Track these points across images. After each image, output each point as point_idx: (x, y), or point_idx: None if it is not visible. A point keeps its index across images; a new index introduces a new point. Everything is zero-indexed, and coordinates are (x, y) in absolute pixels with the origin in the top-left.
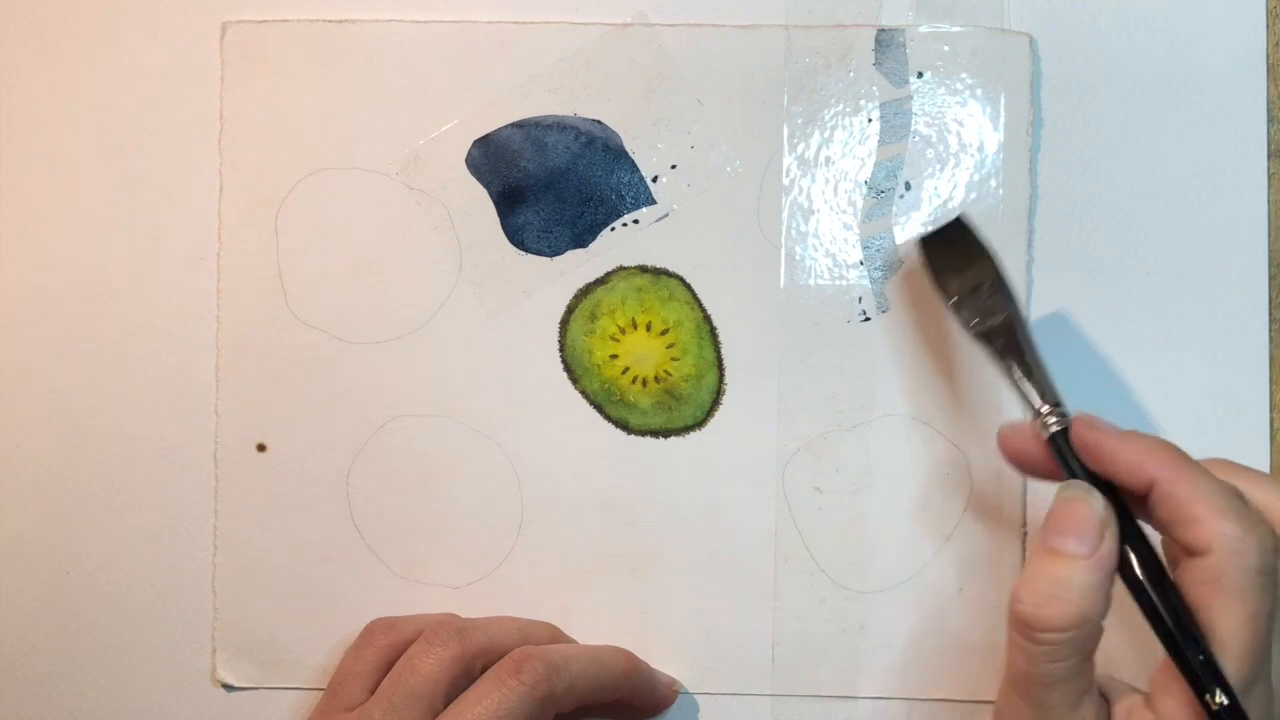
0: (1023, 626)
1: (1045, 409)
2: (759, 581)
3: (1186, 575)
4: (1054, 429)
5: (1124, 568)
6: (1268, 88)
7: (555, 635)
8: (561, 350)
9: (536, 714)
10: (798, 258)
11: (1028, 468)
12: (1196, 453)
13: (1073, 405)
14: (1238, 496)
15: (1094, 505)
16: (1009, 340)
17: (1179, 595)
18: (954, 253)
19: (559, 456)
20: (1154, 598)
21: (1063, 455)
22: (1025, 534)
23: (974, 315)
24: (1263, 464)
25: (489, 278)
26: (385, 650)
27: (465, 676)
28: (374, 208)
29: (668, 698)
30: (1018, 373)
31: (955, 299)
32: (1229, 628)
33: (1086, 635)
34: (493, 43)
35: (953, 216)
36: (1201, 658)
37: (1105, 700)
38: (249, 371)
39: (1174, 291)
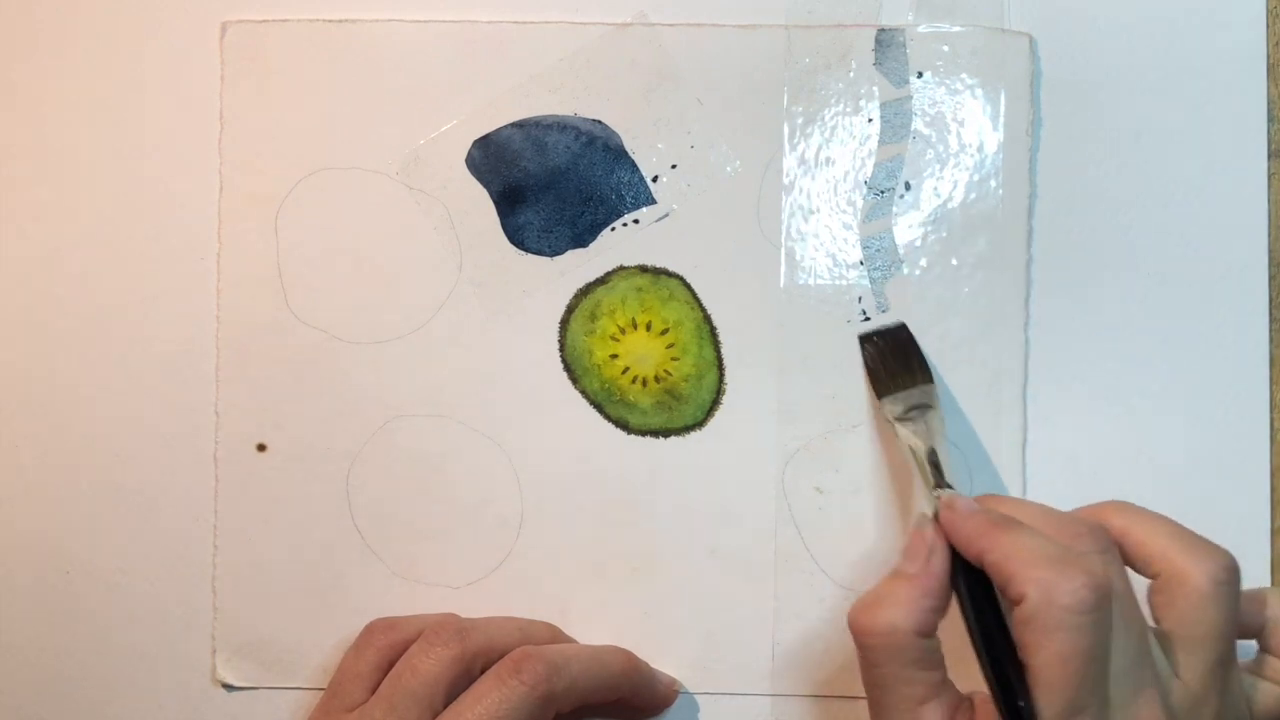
0: (851, 630)
1: (937, 492)
2: (759, 581)
3: (1015, 621)
4: (936, 509)
5: (967, 621)
6: (1268, 88)
7: (555, 635)
8: (561, 350)
9: (537, 714)
10: (798, 258)
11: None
12: (1196, 453)
13: (1070, 407)
14: (1060, 545)
15: (925, 534)
16: (928, 439)
17: (1007, 640)
18: (893, 355)
19: (559, 456)
20: (978, 637)
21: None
22: None
23: (902, 415)
24: (1263, 464)
25: (489, 278)
26: (385, 650)
27: (465, 677)
28: (374, 208)
29: (668, 697)
30: (923, 462)
31: (886, 397)
32: (1040, 664)
33: (900, 645)
34: (493, 43)
35: (896, 323)
36: (1003, 691)
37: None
38: (249, 371)
39: (1174, 291)
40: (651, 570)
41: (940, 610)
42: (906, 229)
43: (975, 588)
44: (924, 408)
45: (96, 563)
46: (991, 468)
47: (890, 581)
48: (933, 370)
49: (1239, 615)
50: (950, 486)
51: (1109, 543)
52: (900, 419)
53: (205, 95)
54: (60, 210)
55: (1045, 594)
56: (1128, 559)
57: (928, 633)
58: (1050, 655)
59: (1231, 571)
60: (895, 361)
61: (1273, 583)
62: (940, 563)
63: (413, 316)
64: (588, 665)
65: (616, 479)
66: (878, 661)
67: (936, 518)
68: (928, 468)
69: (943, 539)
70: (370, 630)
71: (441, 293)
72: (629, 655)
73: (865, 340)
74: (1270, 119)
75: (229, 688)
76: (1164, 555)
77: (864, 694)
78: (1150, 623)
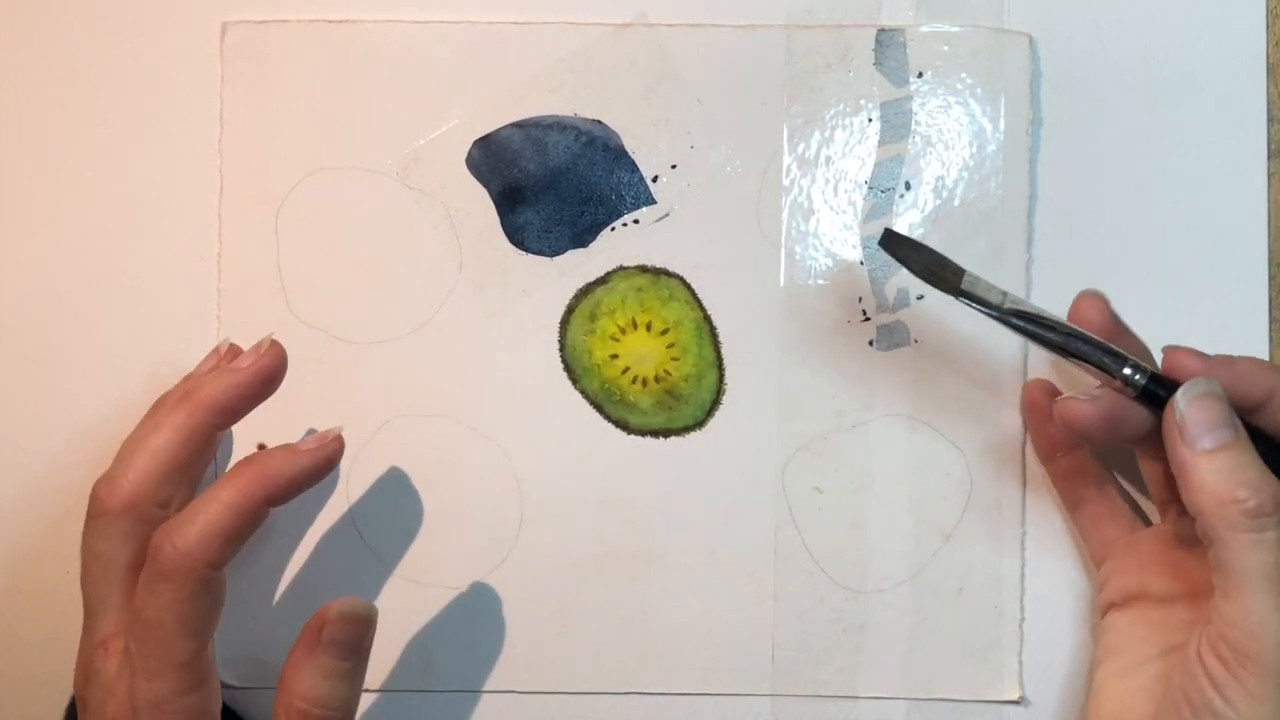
0: (1253, 519)
1: (1126, 368)
2: (759, 581)
3: None
4: (1141, 381)
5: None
6: (1268, 88)
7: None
8: (561, 350)
9: (209, 592)
10: (798, 257)
11: (1114, 431)
12: None
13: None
14: None
15: (1218, 391)
16: (1040, 316)
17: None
18: (919, 252)
19: (559, 456)
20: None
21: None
22: (1024, 534)
23: (993, 296)
24: None
25: (489, 278)
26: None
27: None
28: (374, 208)
29: (319, 453)
30: (1076, 343)
31: (962, 282)
32: None
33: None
34: (493, 43)
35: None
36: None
37: None
38: None
39: (1174, 291)
40: (651, 570)
41: None
42: (906, 229)
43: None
44: (1009, 293)
45: None
46: (992, 468)
47: (1230, 455)
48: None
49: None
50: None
51: None
52: (1012, 309)
53: (205, 95)
54: (60, 210)
55: None
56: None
57: None
58: None
59: None
60: (928, 255)
61: None
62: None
63: (413, 316)
64: (215, 510)
65: (616, 479)
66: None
67: (1146, 391)
68: (1092, 348)
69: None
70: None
71: (441, 293)
72: (247, 470)
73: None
74: (1270, 119)
75: (229, 688)
76: None
77: (872, 696)
78: None
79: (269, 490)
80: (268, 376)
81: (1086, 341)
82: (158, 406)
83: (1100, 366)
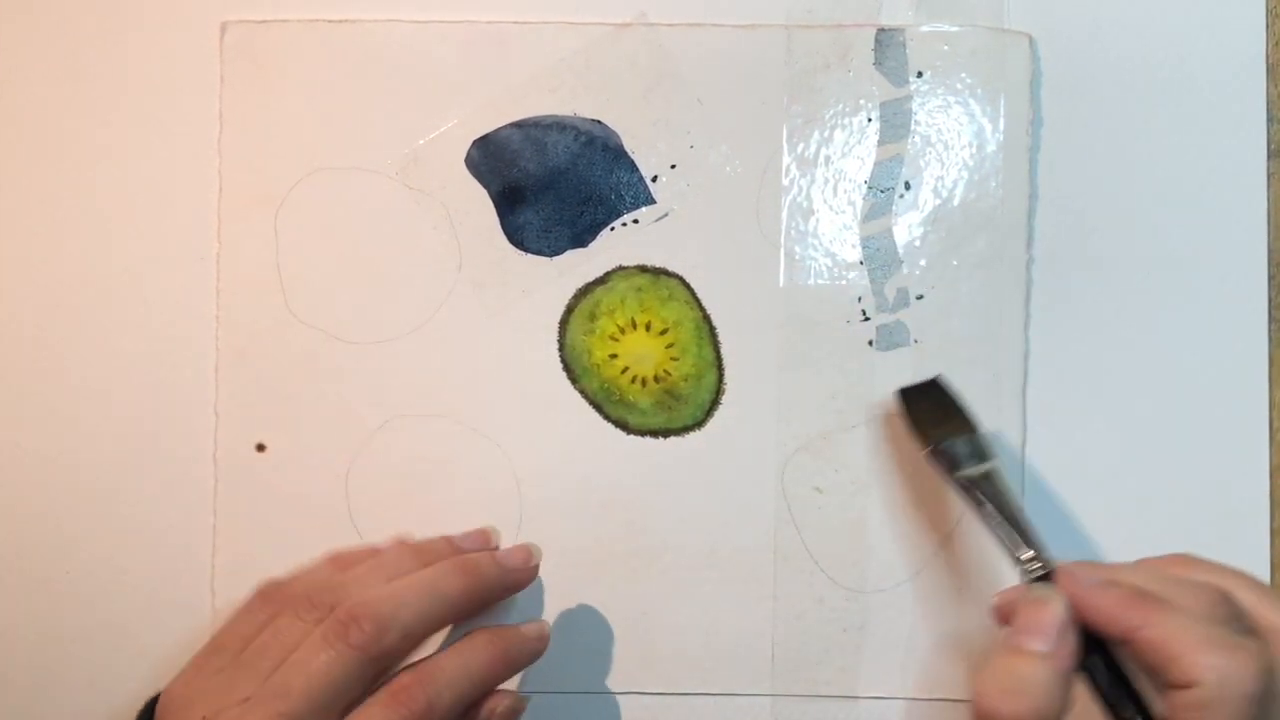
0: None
1: (1027, 555)
2: (759, 581)
3: (1176, 701)
4: (1035, 575)
5: (1096, 687)
6: (1268, 88)
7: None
8: (561, 350)
9: (370, 673)
10: (798, 258)
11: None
12: (1196, 453)
13: (1070, 407)
14: (1219, 622)
15: (1056, 607)
16: (990, 490)
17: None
18: (932, 405)
19: (558, 456)
20: (1116, 713)
21: None
22: None
23: (953, 464)
24: (1262, 464)
25: (489, 278)
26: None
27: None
28: (374, 208)
29: (523, 579)
30: (998, 521)
31: (931, 447)
32: None
33: None
34: (493, 43)
35: (931, 376)
36: None
37: None
38: (249, 371)
39: (1174, 291)
40: (651, 570)
41: (1072, 689)
42: (906, 229)
43: (1100, 661)
44: (981, 456)
45: (96, 563)
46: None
47: (1020, 661)
48: (976, 420)
49: None
50: (1042, 549)
51: (1241, 611)
52: (958, 470)
53: (205, 95)
54: (60, 210)
55: (1221, 680)
56: None
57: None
58: None
59: None
60: (938, 411)
61: (1273, 581)
62: (1074, 640)
63: (412, 316)
64: (422, 605)
65: (616, 479)
66: None
67: (1040, 579)
68: (1013, 528)
69: (1068, 611)
70: (262, 593)
71: (441, 293)
72: (468, 565)
73: (904, 395)
74: (1270, 119)
75: None
76: (1256, 610)
77: (872, 695)
78: None
79: (510, 671)
80: (522, 585)
81: (1011, 523)
82: (421, 554)
83: (1010, 551)
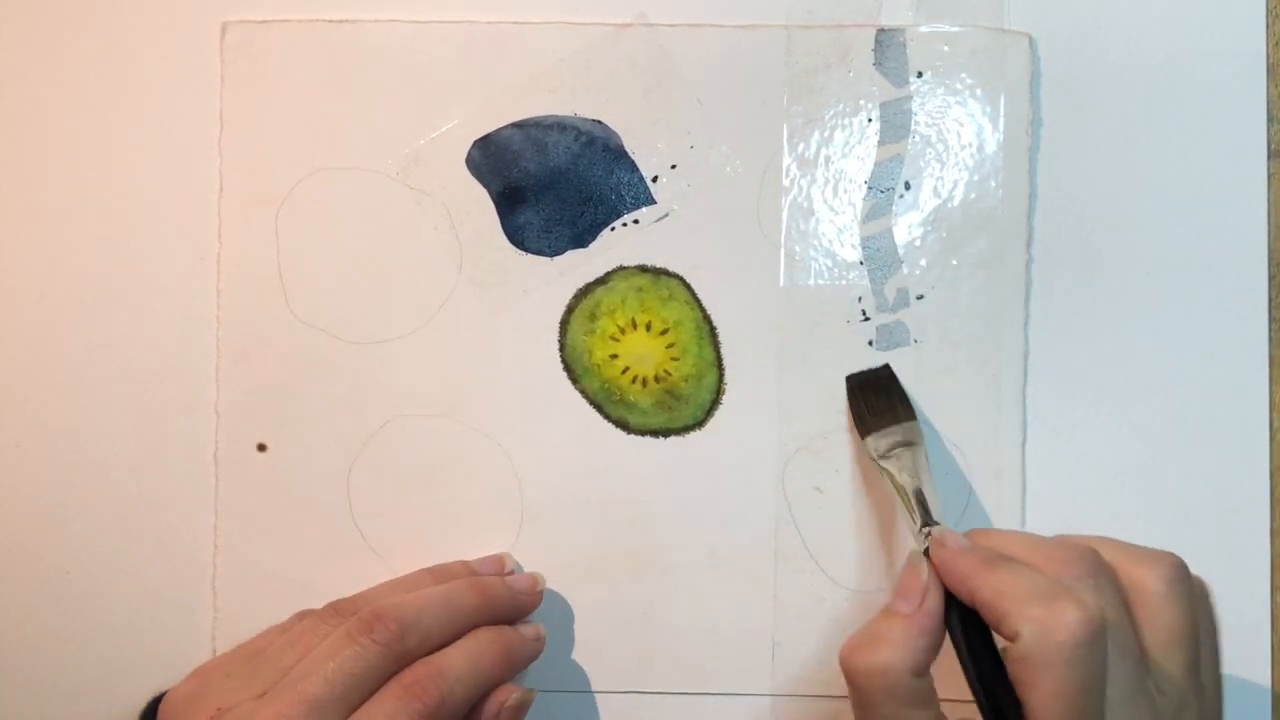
0: (842, 670)
1: (925, 529)
2: (759, 581)
3: (1009, 658)
4: (925, 546)
5: (962, 658)
6: (1268, 88)
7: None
8: (561, 350)
9: (390, 670)
10: (798, 258)
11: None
12: (1196, 452)
13: (1070, 407)
14: (1050, 579)
15: (920, 572)
16: (904, 472)
17: (1003, 677)
18: (876, 395)
19: (559, 456)
20: (973, 674)
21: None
22: None
23: (882, 452)
24: (1262, 464)
25: (489, 278)
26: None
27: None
28: (374, 208)
29: (530, 603)
30: (910, 499)
31: (870, 435)
32: (1036, 701)
33: (894, 684)
34: (493, 43)
35: (881, 366)
36: None
37: None
38: (249, 371)
39: (1174, 291)
40: (651, 570)
41: (934, 649)
42: (906, 229)
43: (969, 626)
44: (908, 444)
45: (96, 563)
46: (992, 468)
47: (883, 620)
48: (916, 407)
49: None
50: (938, 523)
51: (1099, 564)
52: (884, 456)
53: (205, 95)
54: (60, 210)
55: (1039, 631)
56: None
57: (921, 672)
58: (1046, 692)
59: (1181, 569)
60: (877, 400)
61: (1273, 582)
62: (934, 601)
63: (413, 316)
64: (438, 613)
65: (616, 479)
66: (872, 701)
67: (928, 554)
68: (914, 505)
69: (936, 577)
70: (282, 625)
71: (441, 293)
72: (481, 585)
73: (849, 381)
74: (1270, 119)
75: None
76: (1118, 567)
77: None
78: None
79: (512, 671)
80: (529, 609)
81: (915, 501)
82: (438, 576)
83: (912, 523)
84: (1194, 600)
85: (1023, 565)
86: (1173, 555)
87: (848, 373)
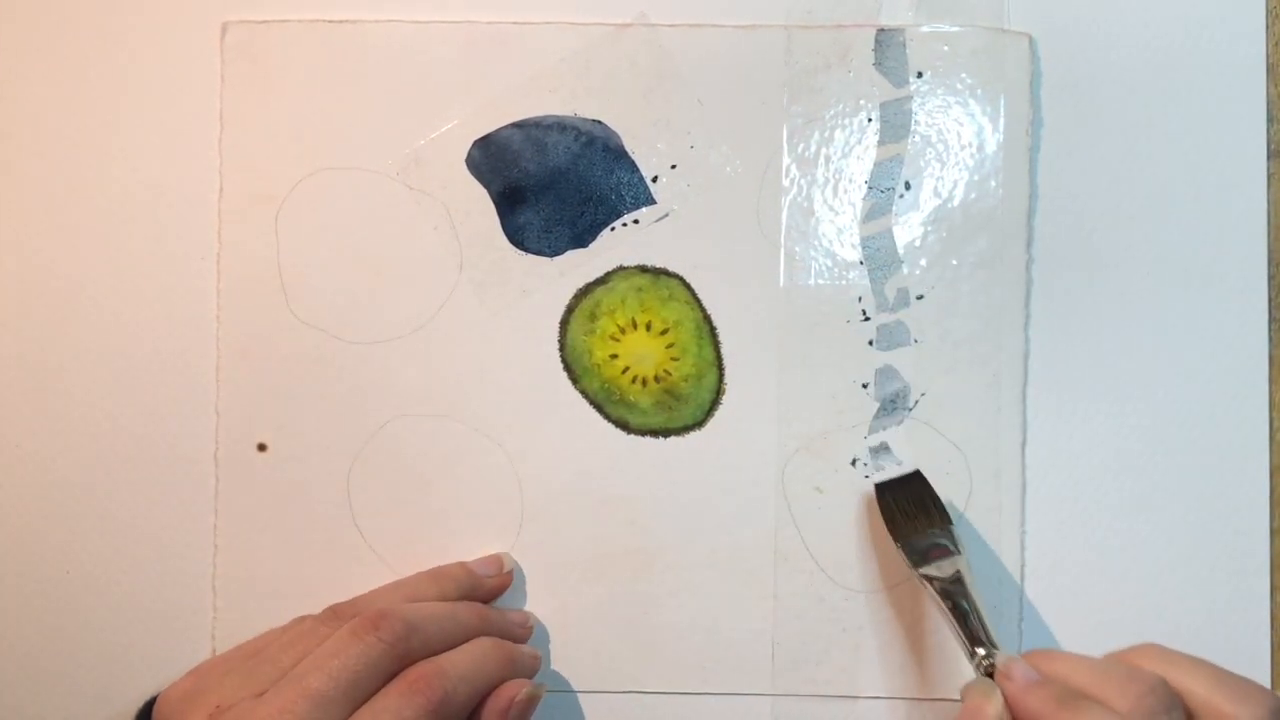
0: None
1: (980, 651)
2: (759, 581)
3: None
4: (986, 670)
5: None
6: (1268, 88)
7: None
8: (561, 350)
9: (393, 669)
10: (798, 258)
11: None
12: (1196, 452)
13: (1070, 407)
14: (1144, 716)
15: (994, 704)
16: (950, 589)
17: None
18: (909, 497)
19: (559, 456)
20: None
21: None
22: (1024, 534)
23: (920, 558)
24: (1262, 464)
25: (489, 278)
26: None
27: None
28: (374, 208)
29: (521, 636)
30: (953, 620)
31: (900, 542)
32: None
33: None
34: (493, 43)
35: (912, 470)
36: None
37: None
38: (249, 371)
39: (1174, 291)
40: (651, 570)
41: None
42: (906, 229)
43: None
44: (947, 552)
45: (96, 563)
46: (991, 468)
47: None
48: (951, 514)
49: None
50: (997, 648)
51: (1173, 698)
52: (924, 566)
53: (205, 95)
54: (61, 210)
55: None
56: None
57: None
58: None
59: (1275, 715)
60: (912, 505)
61: (1273, 582)
62: None
63: (413, 316)
64: (441, 623)
65: (616, 479)
66: None
67: (989, 674)
68: (962, 626)
69: (1004, 708)
70: (300, 618)
71: (441, 293)
72: (480, 609)
73: (881, 489)
74: (1270, 119)
75: None
76: (1208, 704)
77: (872, 695)
78: None
79: (515, 672)
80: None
81: (963, 621)
82: (437, 578)
83: (963, 645)
84: None
85: (1099, 707)
86: (1272, 696)
87: (877, 480)
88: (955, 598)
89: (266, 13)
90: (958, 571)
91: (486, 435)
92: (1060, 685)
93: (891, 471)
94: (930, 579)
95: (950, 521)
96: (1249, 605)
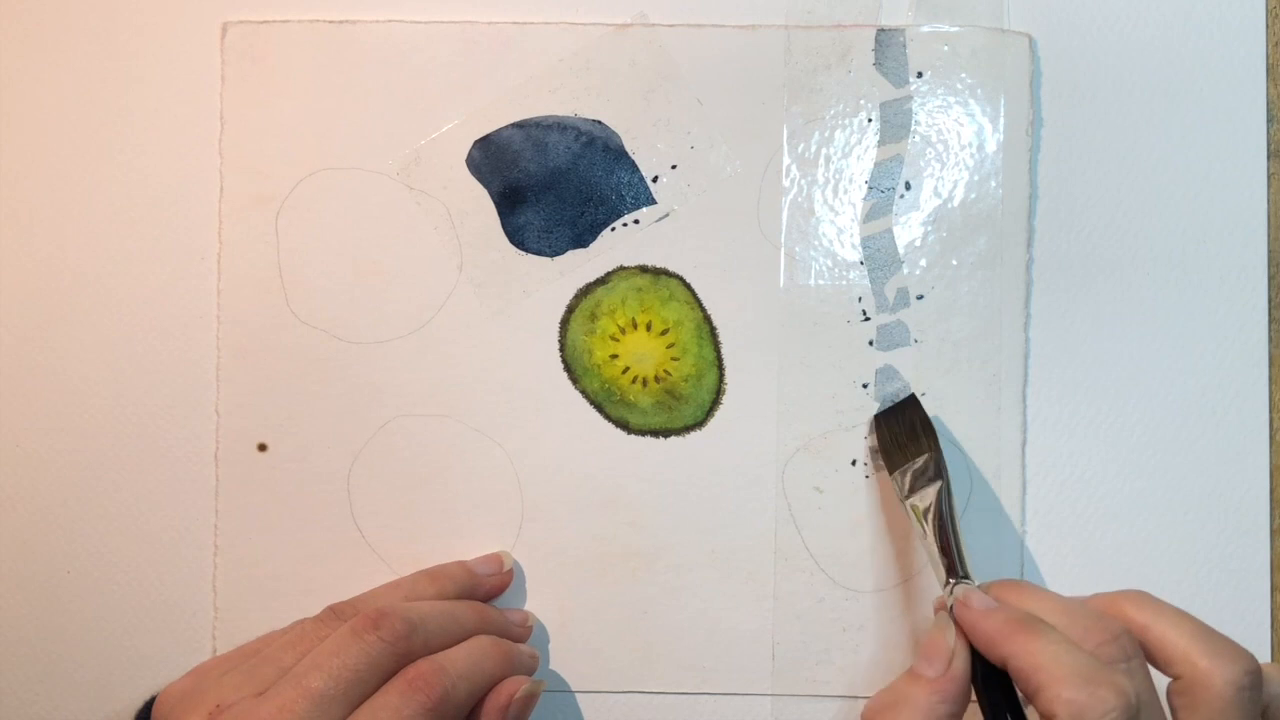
0: None
1: (950, 581)
2: (759, 581)
3: None
4: (952, 603)
5: (984, 710)
6: (1268, 88)
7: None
8: (561, 350)
9: (393, 668)
10: (798, 258)
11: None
12: (1196, 453)
13: (1070, 407)
14: (1087, 657)
15: (947, 636)
16: (935, 515)
17: None
18: (901, 427)
19: (559, 456)
20: None
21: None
22: (1024, 534)
23: (907, 489)
24: (1262, 464)
25: (489, 278)
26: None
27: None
28: (374, 208)
29: (520, 635)
30: (933, 547)
31: (896, 471)
32: None
33: None
34: (493, 43)
35: (907, 395)
36: None
37: None
38: (249, 371)
39: (1174, 291)
40: (651, 570)
41: (958, 714)
42: (906, 229)
43: (995, 688)
44: (933, 479)
45: (96, 563)
46: (991, 468)
47: (907, 683)
48: (939, 439)
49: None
50: (967, 577)
51: (1135, 648)
52: (910, 493)
53: (205, 95)
54: (61, 210)
55: (1076, 715)
56: (1148, 655)
57: None
58: None
59: (1254, 675)
60: (901, 432)
61: (1273, 582)
62: (960, 666)
63: (413, 316)
64: (441, 621)
65: (616, 479)
66: None
67: (952, 611)
68: (939, 556)
69: (964, 640)
70: (302, 621)
71: (441, 293)
72: (480, 608)
73: (878, 419)
74: (1270, 119)
75: None
76: (1186, 657)
77: (864, 694)
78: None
79: (514, 671)
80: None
81: (941, 550)
82: (436, 577)
83: (938, 575)
84: (1258, 707)
85: (1059, 635)
86: (1249, 657)
87: (877, 412)
88: (935, 525)
89: (266, 13)
90: (938, 496)
91: (486, 435)
92: (1020, 611)
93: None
94: (914, 508)
95: (937, 446)
96: (1249, 605)
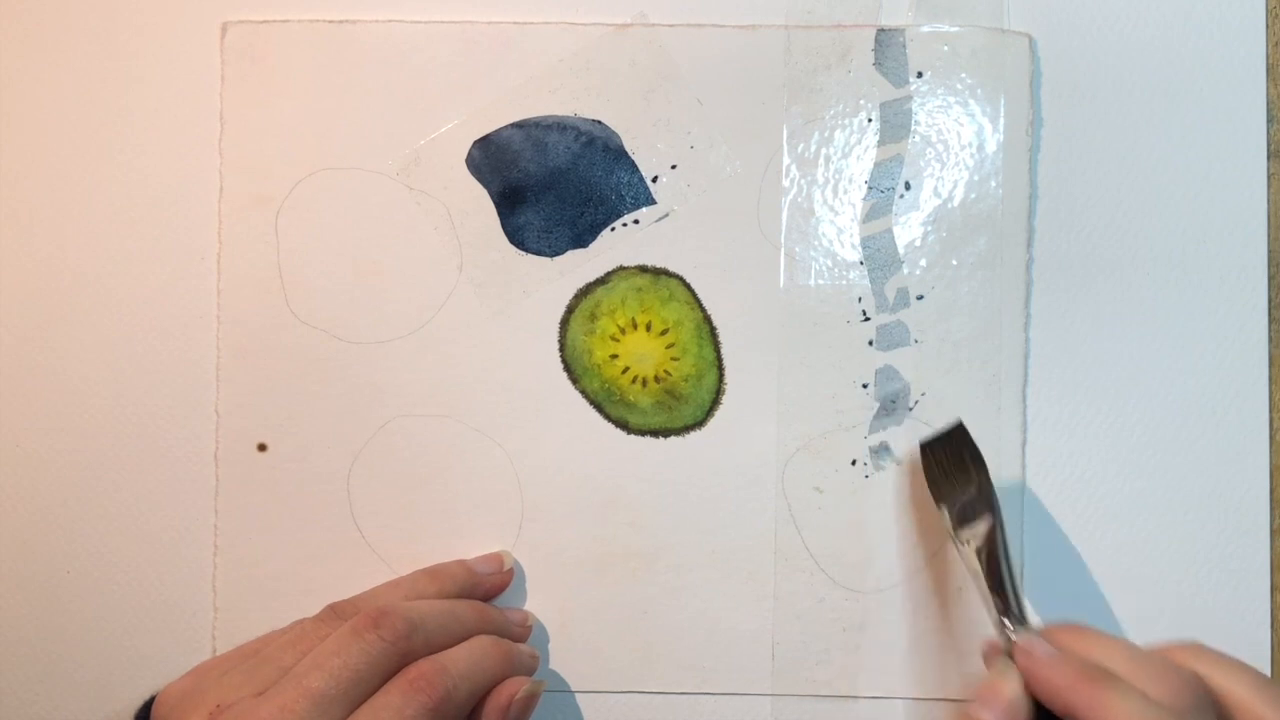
0: None
1: (1006, 623)
2: (759, 581)
3: None
4: (1009, 649)
5: None
6: (1268, 88)
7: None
8: (561, 350)
9: (393, 668)
10: (798, 258)
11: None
12: (1196, 453)
13: (1070, 407)
14: (1161, 709)
15: (1011, 685)
16: (986, 552)
17: None
18: (949, 457)
19: (559, 456)
20: None
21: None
22: (1024, 533)
23: (958, 523)
24: (1262, 464)
25: (489, 278)
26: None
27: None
28: (374, 208)
29: (520, 635)
30: (984, 586)
31: (945, 504)
32: None
33: None
34: (493, 43)
35: (954, 423)
36: None
37: None
38: (249, 371)
39: (1174, 291)
40: (651, 570)
41: None
42: (906, 229)
43: None
44: (980, 513)
45: (96, 563)
46: (991, 468)
47: None
48: (989, 473)
49: None
50: (1024, 619)
51: (1205, 698)
52: (960, 529)
53: (205, 95)
54: (61, 210)
55: None
56: None
57: None
58: None
59: None
60: (951, 463)
61: (1273, 582)
62: (1023, 713)
63: (413, 316)
64: (442, 620)
65: (616, 479)
66: None
67: (1009, 654)
68: (990, 596)
69: (1022, 688)
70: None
71: (441, 293)
72: (480, 606)
73: (925, 448)
74: (1270, 119)
75: None
76: (1250, 708)
77: (872, 695)
78: None
79: (514, 670)
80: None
81: (996, 589)
82: (436, 576)
83: (992, 614)
84: None
85: (1128, 686)
86: None
87: (922, 439)
88: (987, 564)
89: (266, 13)
90: (990, 533)
91: (486, 435)
92: (1087, 662)
93: (914, 449)
94: (964, 543)
95: (988, 478)
96: (1249, 605)
